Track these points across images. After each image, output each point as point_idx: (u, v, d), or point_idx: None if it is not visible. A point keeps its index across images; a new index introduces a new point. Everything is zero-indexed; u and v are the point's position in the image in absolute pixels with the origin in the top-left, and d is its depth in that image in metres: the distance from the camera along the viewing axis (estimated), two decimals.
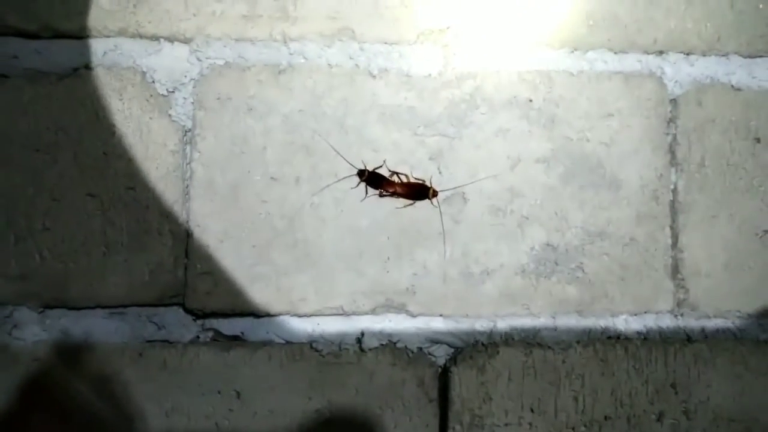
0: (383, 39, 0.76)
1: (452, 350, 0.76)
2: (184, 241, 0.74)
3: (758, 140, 0.79)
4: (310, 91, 0.75)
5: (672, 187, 0.78)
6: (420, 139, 0.76)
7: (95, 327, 0.73)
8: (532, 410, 0.74)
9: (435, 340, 0.76)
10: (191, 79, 0.74)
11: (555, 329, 0.77)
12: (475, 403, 0.74)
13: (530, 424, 0.74)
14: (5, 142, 0.73)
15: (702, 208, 0.78)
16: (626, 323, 0.77)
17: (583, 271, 0.76)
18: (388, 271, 0.75)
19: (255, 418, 0.73)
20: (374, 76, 0.76)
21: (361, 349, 0.75)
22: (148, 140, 0.74)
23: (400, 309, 0.75)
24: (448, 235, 0.76)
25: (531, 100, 0.77)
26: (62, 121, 0.73)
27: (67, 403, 0.71)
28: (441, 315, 0.76)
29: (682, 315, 0.78)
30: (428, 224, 0.76)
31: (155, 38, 0.74)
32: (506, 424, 0.74)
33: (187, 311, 0.74)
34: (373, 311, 0.75)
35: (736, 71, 0.80)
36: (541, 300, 0.76)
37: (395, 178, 0.75)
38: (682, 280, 0.78)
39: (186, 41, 0.75)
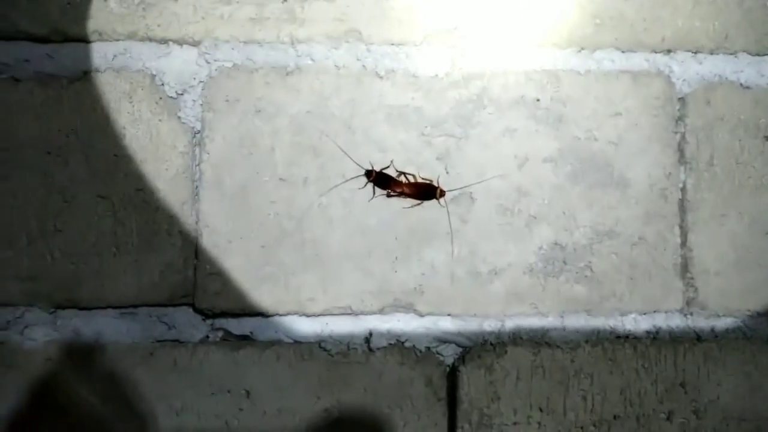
0: (390, 40, 0.77)
1: (460, 350, 0.76)
2: (193, 241, 0.74)
3: (767, 138, 0.79)
4: (318, 92, 0.76)
5: (681, 185, 0.78)
6: (427, 139, 0.76)
7: (106, 327, 0.74)
8: (540, 409, 0.74)
9: (443, 339, 0.76)
10: (200, 82, 0.75)
11: (563, 328, 0.77)
12: (484, 403, 0.74)
13: (539, 423, 0.74)
14: (17, 145, 0.74)
15: (711, 206, 0.78)
16: (635, 322, 0.77)
17: (591, 270, 0.76)
18: (396, 271, 0.75)
19: (264, 417, 0.73)
20: (381, 77, 0.76)
21: (370, 349, 0.75)
22: (157, 142, 0.74)
23: (408, 308, 0.75)
24: (456, 234, 0.76)
25: (538, 100, 0.77)
26: (73, 123, 0.74)
27: (72, 411, 0.72)
28: (449, 314, 0.76)
29: (691, 314, 0.77)
30: (436, 224, 0.76)
31: (164, 41, 0.75)
32: (515, 423, 0.74)
33: (197, 311, 0.74)
34: (381, 311, 0.75)
35: (744, 69, 0.79)
36: (549, 299, 0.76)
37: (403, 179, 0.75)
38: (692, 278, 0.77)
39: (194, 44, 0.75)
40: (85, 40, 0.75)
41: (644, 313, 0.77)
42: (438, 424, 0.74)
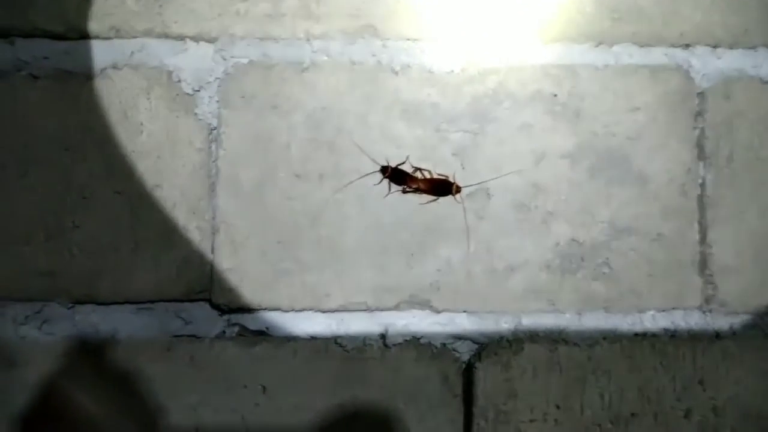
0: (405, 36, 0.76)
1: (476, 346, 0.76)
2: (210, 237, 0.74)
3: None
4: (333, 88, 0.76)
5: (700, 181, 0.77)
6: (443, 135, 0.76)
7: (124, 322, 0.75)
8: (557, 407, 0.74)
9: (459, 336, 0.76)
10: (216, 78, 0.75)
11: (581, 325, 0.76)
12: (500, 399, 0.74)
13: (556, 420, 0.74)
14: (35, 142, 0.74)
15: (730, 202, 0.77)
16: (653, 319, 0.76)
17: (609, 267, 0.76)
18: (411, 267, 0.75)
19: (280, 413, 0.73)
20: (397, 73, 0.76)
21: (385, 345, 0.75)
22: (174, 139, 0.75)
23: (424, 305, 0.75)
24: (472, 231, 0.76)
25: (555, 95, 0.76)
26: (91, 120, 0.75)
27: (86, 407, 0.72)
28: (465, 311, 0.76)
29: (710, 311, 0.77)
30: (452, 220, 0.76)
31: (181, 38, 0.75)
32: (531, 420, 0.74)
33: (214, 306, 0.75)
34: (397, 307, 0.75)
35: (763, 64, 0.78)
36: (566, 296, 0.76)
37: (418, 174, 0.75)
38: (711, 276, 0.77)
39: (211, 41, 0.75)
40: (102, 37, 0.75)
41: (662, 310, 0.76)
42: (454, 420, 0.74)
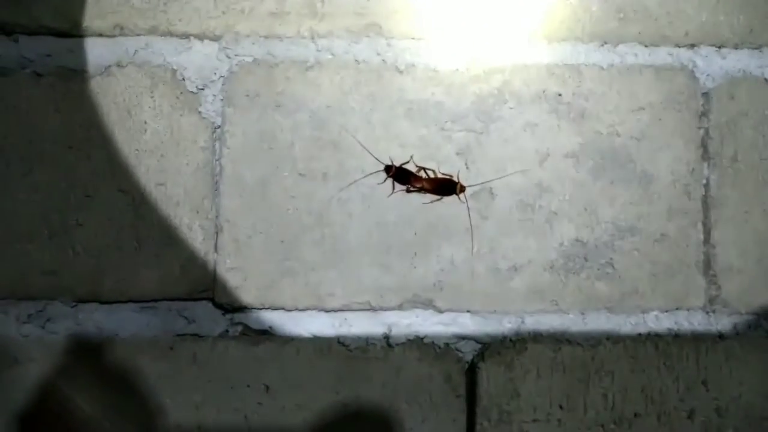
0: (410, 35, 0.76)
1: (479, 346, 0.76)
2: (213, 236, 0.74)
3: None
4: (338, 87, 0.76)
5: (704, 181, 0.77)
6: (447, 134, 0.76)
7: (127, 321, 0.74)
8: (560, 407, 0.74)
9: (462, 335, 0.76)
10: (220, 77, 0.75)
11: (584, 326, 0.76)
12: (503, 399, 0.74)
13: (559, 420, 0.74)
14: (39, 140, 0.74)
15: (734, 203, 0.77)
16: (657, 320, 0.76)
17: (613, 267, 0.76)
18: (415, 267, 0.75)
19: (283, 412, 0.73)
20: (401, 72, 0.76)
21: (389, 345, 0.75)
22: (178, 137, 0.75)
23: (428, 305, 0.75)
24: (476, 230, 0.75)
25: (560, 95, 0.76)
26: (94, 118, 0.74)
27: (87, 405, 0.72)
28: (468, 311, 0.76)
29: (713, 312, 0.77)
30: (455, 220, 0.76)
31: (185, 36, 0.75)
32: (534, 420, 0.74)
33: (217, 306, 0.75)
34: (400, 307, 0.75)
35: None
36: (570, 296, 0.76)
37: (422, 174, 0.75)
38: (714, 276, 0.77)
39: (215, 39, 0.75)
40: (106, 35, 0.75)
41: (666, 311, 0.76)
42: (456, 420, 0.74)
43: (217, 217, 0.75)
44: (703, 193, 0.77)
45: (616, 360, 0.75)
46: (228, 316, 0.75)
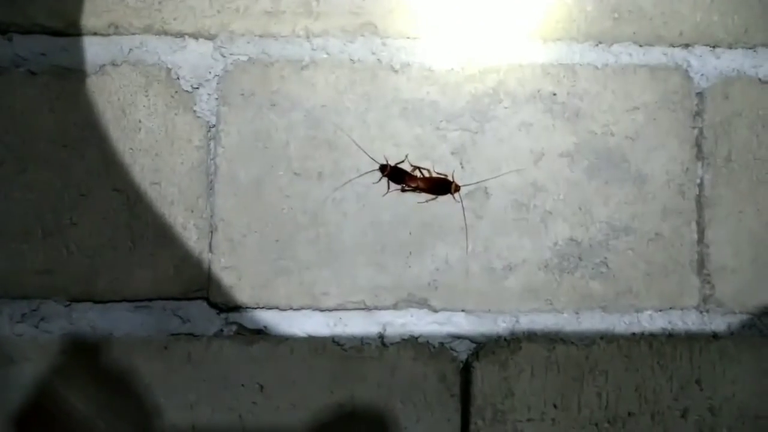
0: (405, 34, 0.76)
1: (474, 345, 0.76)
2: (208, 235, 0.74)
3: None
4: (333, 86, 0.75)
5: (698, 181, 0.77)
6: (442, 133, 0.76)
7: (121, 320, 0.74)
8: (555, 406, 0.74)
9: (457, 335, 0.76)
10: (215, 75, 0.75)
11: (578, 325, 0.76)
12: (498, 399, 0.74)
13: (553, 419, 0.74)
14: (33, 138, 0.74)
15: (728, 202, 0.77)
16: (651, 319, 0.77)
17: (607, 266, 0.76)
18: (410, 266, 0.75)
19: (278, 412, 0.73)
20: (396, 71, 0.76)
21: (383, 344, 0.75)
22: (173, 136, 0.75)
23: (422, 304, 0.75)
24: (471, 230, 0.76)
25: (555, 94, 0.76)
26: (89, 117, 0.74)
27: (82, 405, 0.72)
28: (463, 310, 0.76)
29: (707, 311, 0.77)
30: (450, 219, 0.76)
31: (180, 35, 0.75)
32: (529, 420, 0.74)
33: (211, 305, 0.75)
34: (395, 306, 0.75)
35: (763, 64, 0.78)
36: (564, 295, 0.76)
37: (417, 173, 0.75)
38: (708, 275, 0.77)
39: (210, 38, 0.75)
40: (101, 34, 0.75)
41: (660, 310, 0.77)
42: (451, 419, 0.74)
43: (211, 216, 0.74)
44: (697, 193, 0.77)
45: (610, 359, 0.75)
46: (222, 315, 0.75)
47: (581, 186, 0.76)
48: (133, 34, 0.75)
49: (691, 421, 0.75)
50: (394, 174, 0.75)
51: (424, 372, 0.74)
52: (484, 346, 0.75)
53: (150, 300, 0.74)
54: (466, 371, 0.75)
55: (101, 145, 0.74)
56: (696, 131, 0.78)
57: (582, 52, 0.77)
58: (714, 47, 0.78)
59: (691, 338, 0.76)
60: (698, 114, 0.78)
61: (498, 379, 0.74)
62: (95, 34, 0.75)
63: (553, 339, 0.75)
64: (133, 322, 0.74)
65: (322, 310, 0.75)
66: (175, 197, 0.74)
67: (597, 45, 0.77)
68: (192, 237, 0.74)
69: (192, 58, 0.75)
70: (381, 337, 0.75)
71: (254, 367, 0.73)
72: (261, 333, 0.75)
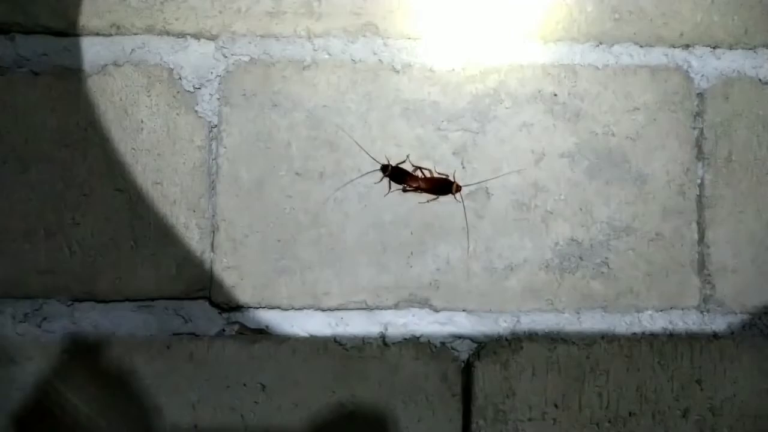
0: (407, 34, 0.77)
1: (475, 345, 0.76)
2: (210, 235, 0.74)
3: None
4: (334, 86, 0.76)
5: (699, 181, 0.78)
6: (443, 133, 0.76)
7: (123, 320, 0.74)
8: (556, 405, 0.74)
9: (458, 335, 0.76)
10: (217, 76, 0.75)
11: (579, 325, 0.76)
12: (499, 398, 0.74)
13: (554, 419, 0.74)
14: (36, 138, 0.74)
15: (729, 202, 0.77)
16: (651, 319, 0.77)
17: (608, 266, 0.76)
18: (411, 266, 0.75)
19: (279, 411, 0.73)
20: (398, 71, 0.76)
21: (385, 344, 0.75)
22: (175, 136, 0.75)
23: (424, 304, 0.75)
24: (472, 230, 0.76)
25: (556, 95, 0.77)
26: (91, 117, 0.75)
27: (83, 404, 0.72)
28: (464, 310, 0.76)
29: (708, 311, 0.77)
30: (451, 219, 0.76)
31: (182, 35, 0.75)
32: (530, 419, 0.74)
33: (213, 305, 0.75)
34: (396, 306, 0.75)
35: (763, 65, 0.79)
36: (565, 295, 0.76)
37: (419, 173, 0.75)
38: (709, 275, 0.77)
39: (212, 38, 0.75)
40: (103, 34, 0.75)
41: (661, 310, 0.77)
42: (452, 419, 0.74)
43: (213, 216, 0.75)
44: (698, 193, 0.77)
45: (611, 359, 0.75)
46: (224, 315, 0.75)
47: (582, 186, 0.77)
48: (135, 34, 0.75)
49: (691, 420, 0.75)
50: (395, 174, 0.75)
51: (425, 372, 0.75)
52: (485, 346, 0.75)
53: (152, 300, 0.74)
54: (467, 371, 0.75)
55: (103, 145, 0.74)
56: (696, 132, 0.78)
57: (583, 52, 0.77)
58: (714, 48, 0.78)
59: (691, 338, 0.76)
60: (699, 114, 0.78)
61: (499, 378, 0.74)
62: (97, 34, 0.75)
63: (554, 339, 0.76)
64: (135, 321, 0.75)
65: (323, 310, 0.75)
66: (177, 197, 0.75)
67: (598, 45, 0.77)
68: (194, 237, 0.74)
69: (194, 59, 0.75)
70: (382, 336, 0.75)
71: (256, 367, 0.74)
72: (263, 333, 0.75)
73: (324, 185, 0.75)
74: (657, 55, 0.78)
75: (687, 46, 0.78)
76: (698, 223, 0.77)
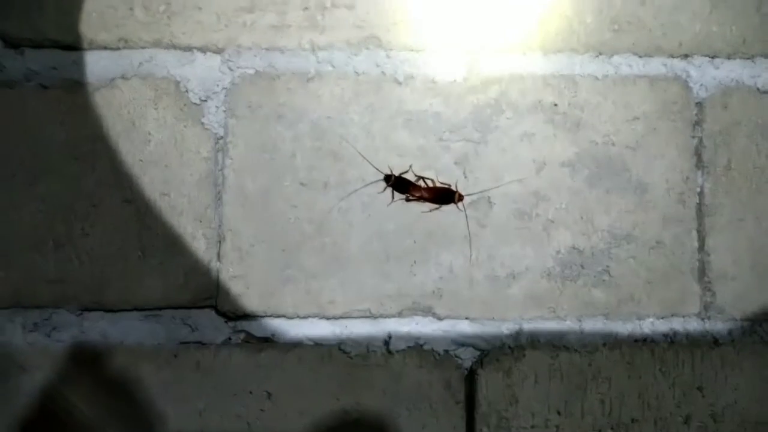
0: (409, 46, 0.78)
1: (478, 353, 0.77)
2: (216, 245, 0.75)
3: None
4: (338, 98, 0.77)
5: (698, 190, 0.78)
6: (445, 144, 0.77)
7: (131, 329, 0.75)
8: (558, 413, 0.75)
9: (461, 342, 0.77)
10: (223, 88, 0.76)
11: (581, 332, 0.77)
12: (502, 406, 0.75)
13: (557, 426, 0.75)
14: (45, 151, 0.76)
15: (728, 211, 0.78)
16: (653, 326, 0.77)
17: (609, 274, 0.77)
18: (414, 275, 0.76)
19: (285, 419, 0.74)
20: (400, 83, 0.77)
21: (389, 351, 0.76)
22: (182, 148, 0.76)
23: (427, 312, 0.76)
24: (474, 238, 0.77)
25: (556, 105, 0.78)
26: (99, 130, 0.76)
27: (89, 412, 0.73)
28: (467, 318, 0.77)
29: (708, 318, 0.78)
30: (454, 228, 0.77)
31: (188, 49, 0.76)
32: (533, 426, 0.75)
33: (220, 313, 0.76)
34: (400, 314, 0.76)
35: (761, 74, 0.80)
36: (567, 303, 0.77)
37: (421, 183, 0.76)
38: (709, 283, 0.78)
39: (218, 51, 0.77)
40: (111, 48, 0.76)
41: (662, 317, 0.77)
42: (456, 426, 0.75)
43: (219, 226, 0.76)
44: (698, 201, 0.78)
45: (613, 366, 0.76)
46: (231, 323, 0.76)
47: (583, 195, 0.77)
48: (143, 48, 0.76)
49: (693, 427, 0.75)
50: (398, 184, 0.76)
51: (429, 379, 0.75)
52: (488, 354, 0.76)
53: (159, 309, 0.75)
54: (470, 378, 0.76)
55: (111, 157, 0.76)
56: (696, 140, 0.79)
57: (582, 63, 0.78)
58: (713, 58, 0.79)
59: (692, 345, 0.77)
60: (698, 123, 0.79)
61: (502, 386, 0.75)
62: (105, 48, 0.76)
63: (556, 346, 0.76)
64: (143, 330, 0.76)
65: (328, 318, 0.76)
66: (184, 208, 0.76)
67: (597, 56, 0.78)
68: (201, 247, 0.75)
69: (200, 72, 0.76)
70: (386, 344, 0.76)
71: (262, 375, 0.74)
72: (269, 341, 0.76)
73: (328, 195, 0.76)
74: (656, 65, 0.79)
75: (686, 56, 0.79)
76: (698, 231, 0.78)
